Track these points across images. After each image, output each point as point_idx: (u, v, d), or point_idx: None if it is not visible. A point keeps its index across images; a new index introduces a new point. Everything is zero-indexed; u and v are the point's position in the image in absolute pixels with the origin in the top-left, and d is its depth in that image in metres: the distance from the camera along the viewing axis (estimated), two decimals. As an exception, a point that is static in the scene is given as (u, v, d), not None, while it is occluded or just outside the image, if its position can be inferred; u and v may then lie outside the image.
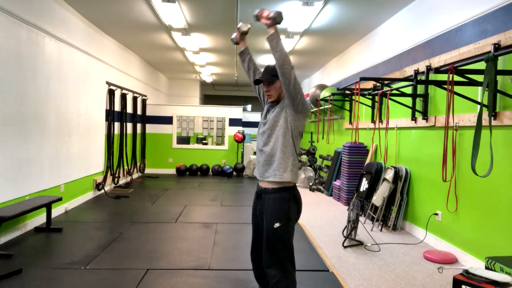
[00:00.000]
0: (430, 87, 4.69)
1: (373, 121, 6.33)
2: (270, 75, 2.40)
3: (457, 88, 3.63)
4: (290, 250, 2.36)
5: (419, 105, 4.85)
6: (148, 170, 10.78)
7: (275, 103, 2.49)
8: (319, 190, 8.27)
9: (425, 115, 4.69)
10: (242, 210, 6.24)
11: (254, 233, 2.59)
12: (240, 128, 11.09)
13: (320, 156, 9.13)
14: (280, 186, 2.37)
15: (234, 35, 2.69)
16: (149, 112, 10.75)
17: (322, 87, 8.77)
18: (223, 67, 11.50)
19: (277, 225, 2.30)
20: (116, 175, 8.06)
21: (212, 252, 4.13)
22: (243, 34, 2.65)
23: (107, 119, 7.49)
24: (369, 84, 6.21)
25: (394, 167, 5.19)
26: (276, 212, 2.34)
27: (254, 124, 14.24)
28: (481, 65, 3.23)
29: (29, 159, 4.75)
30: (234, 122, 11.23)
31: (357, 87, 5.34)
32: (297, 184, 2.50)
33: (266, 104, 2.59)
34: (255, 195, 2.55)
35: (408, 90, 5.04)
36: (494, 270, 2.68)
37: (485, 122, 3.37)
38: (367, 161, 6.37)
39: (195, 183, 9.20)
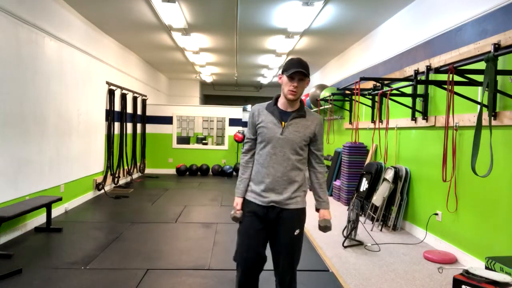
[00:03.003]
0: (430, 87, 4.69)
1: (373, 121, 6.33)
2: (307, 71, 2.21)
3: (457, 88, 3.63)
4: (300, 255, 2.39)
5: (419, 105, 4.85)
6: (148, 170, 10.78)
7: (294, 110, 2.30)
8: (319, 190, 8.26)
9: (425, 115, 4.69)
10: (242, 210, 6.23)
11: (251, 259, 2.28)
12: (240, 128, 11.08)
13: (320, 156, 9.11)
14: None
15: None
16: (149, 112, 10.75)
17: (322, 87, 8.77)
18: (223, 67, 11.49)
19: (297, 231, 2.30)
20: (116, 175, 8.05)
21: (212, 252, 4.13)
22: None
23: (107, 119, 7.49)
24: (369, 84, 6.21)
25: (394, 167, 5.19)
26: (298, 220, 2.33)
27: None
28: (481, 65, 3.23)
29: (29, 159, 4.75)
30: (234, 122, 11.22)
31: (357, 87, 5.35)
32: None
33: (279, 113, 2.29)
34: (258, 208, 2.29)
35: (408, 90, 5.04)
36: (494, 270, 2.68)
37: (485, 122, 3.36)
38: (367, 161, 6.37)
39: (195, 183, 9.20)
